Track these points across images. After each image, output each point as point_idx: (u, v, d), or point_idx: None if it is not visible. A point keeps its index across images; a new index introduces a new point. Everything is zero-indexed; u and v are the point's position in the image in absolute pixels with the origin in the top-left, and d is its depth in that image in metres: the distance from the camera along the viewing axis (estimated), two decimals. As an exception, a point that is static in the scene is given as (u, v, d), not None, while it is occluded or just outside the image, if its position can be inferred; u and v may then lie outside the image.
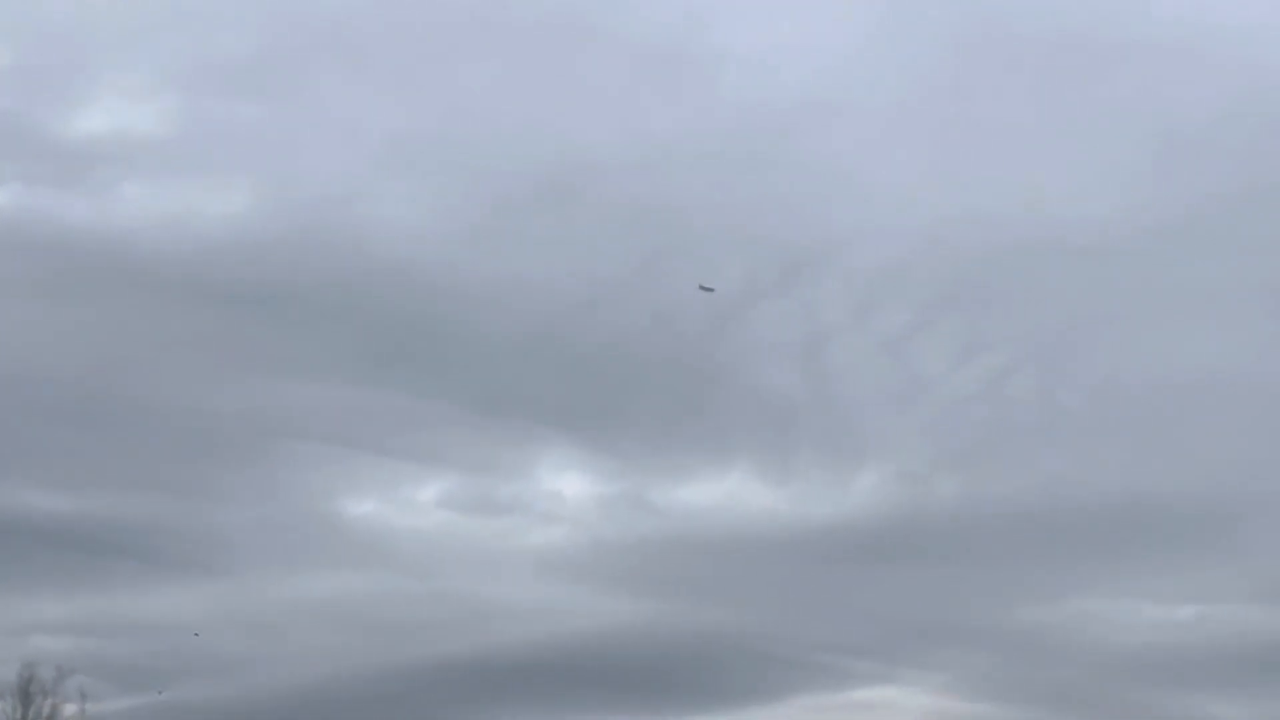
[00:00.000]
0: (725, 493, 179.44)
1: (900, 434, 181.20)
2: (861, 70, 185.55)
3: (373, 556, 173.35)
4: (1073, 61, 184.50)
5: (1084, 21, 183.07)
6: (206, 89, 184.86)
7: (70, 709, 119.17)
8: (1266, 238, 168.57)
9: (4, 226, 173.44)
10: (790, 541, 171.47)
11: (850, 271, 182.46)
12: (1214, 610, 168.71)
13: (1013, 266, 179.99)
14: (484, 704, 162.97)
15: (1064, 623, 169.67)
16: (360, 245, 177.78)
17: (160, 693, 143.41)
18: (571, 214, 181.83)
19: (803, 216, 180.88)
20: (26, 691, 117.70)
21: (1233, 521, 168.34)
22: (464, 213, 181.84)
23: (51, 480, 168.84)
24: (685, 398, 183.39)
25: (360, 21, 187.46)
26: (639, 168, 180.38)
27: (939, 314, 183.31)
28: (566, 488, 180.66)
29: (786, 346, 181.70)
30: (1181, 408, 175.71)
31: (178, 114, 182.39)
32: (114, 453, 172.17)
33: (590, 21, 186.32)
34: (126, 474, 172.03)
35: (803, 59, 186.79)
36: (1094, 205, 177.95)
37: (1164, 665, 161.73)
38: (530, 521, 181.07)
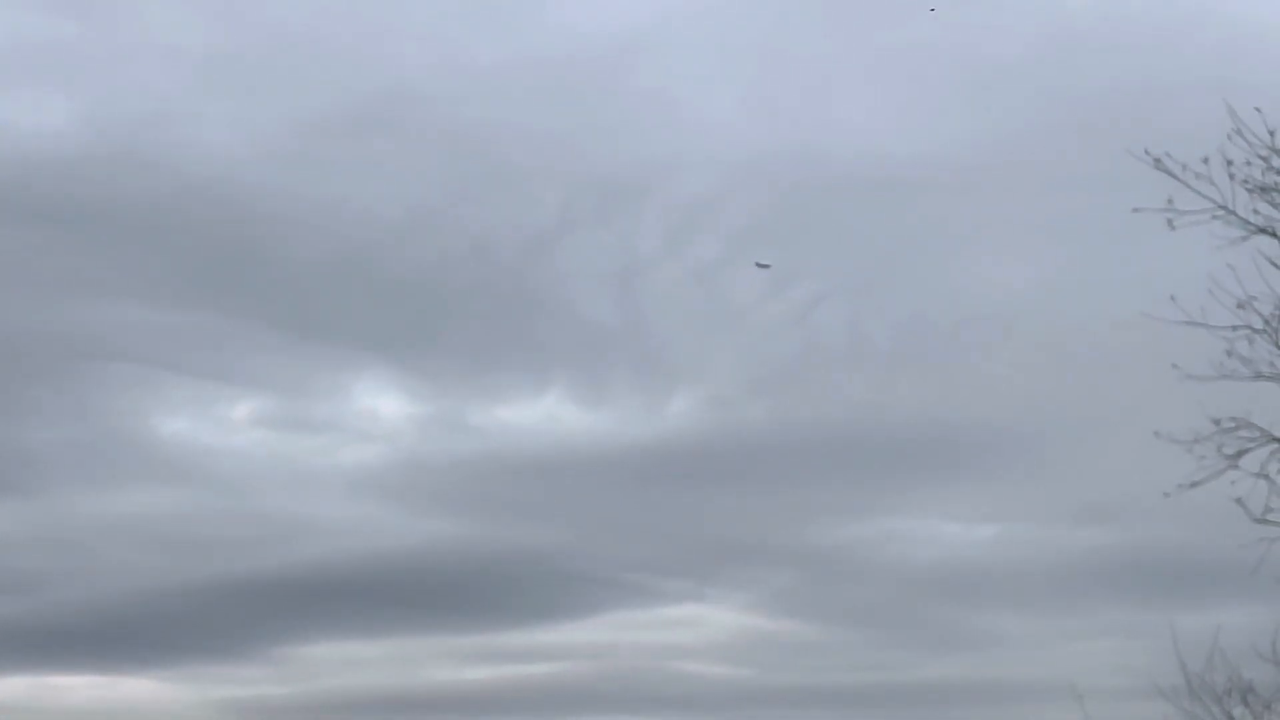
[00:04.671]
0: (541, 414, 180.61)
1: (712, 360, 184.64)
2: (684, 3, 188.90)
3: (184, 474, 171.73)
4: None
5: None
6: (20, 1, 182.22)
7: None
8: (1070, 174, 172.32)
9: None
10: (604, 462, 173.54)
11: (666, 202, 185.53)
12: (1011, 529, 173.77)
13: (824, 200, 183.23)
14: (295, 621, 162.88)
15: (867, 541, 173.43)
16: (176, 165, 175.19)
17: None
18: (391, 140, 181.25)
19: (620, 148, 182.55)
20: None
21: (1030, 446, 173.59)
22: (282, 136, 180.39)
23: None
24: (502, 323, 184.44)
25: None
26: (459, 96, 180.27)
27: (751, 245, 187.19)
28: (382, 407, 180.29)
29: (602, 274, 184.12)
30: (982, 338, 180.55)
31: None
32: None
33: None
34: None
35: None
36: (903, 141, 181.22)
37: (962, 582, 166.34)
38: (345, 440, 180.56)
